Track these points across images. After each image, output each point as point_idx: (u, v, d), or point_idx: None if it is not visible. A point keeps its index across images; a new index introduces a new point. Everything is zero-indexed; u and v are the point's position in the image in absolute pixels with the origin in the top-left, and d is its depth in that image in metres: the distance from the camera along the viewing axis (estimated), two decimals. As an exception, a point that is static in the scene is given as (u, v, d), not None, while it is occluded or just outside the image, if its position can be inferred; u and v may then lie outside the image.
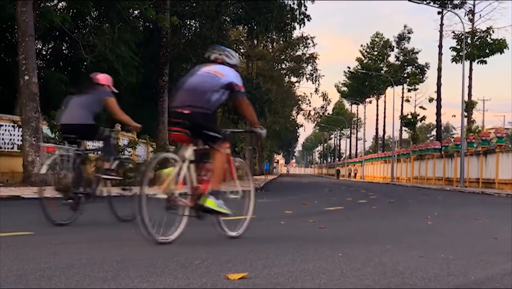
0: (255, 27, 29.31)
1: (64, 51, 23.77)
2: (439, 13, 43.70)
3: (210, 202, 4.65)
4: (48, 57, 23.68)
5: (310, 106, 63.25)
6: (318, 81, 52.62)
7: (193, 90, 4.82)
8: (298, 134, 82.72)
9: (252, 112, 5.17)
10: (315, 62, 52.75)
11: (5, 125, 16.21)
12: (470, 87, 39.23)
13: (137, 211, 4.33)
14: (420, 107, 50.86)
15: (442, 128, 54.74)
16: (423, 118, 50.12)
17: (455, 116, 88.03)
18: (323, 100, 63.21)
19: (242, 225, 5.24)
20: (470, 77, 39.14)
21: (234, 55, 5.18)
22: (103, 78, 6.65)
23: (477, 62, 39.11)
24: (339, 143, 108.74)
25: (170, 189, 4.56)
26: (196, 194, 4.74)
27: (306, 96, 62.21)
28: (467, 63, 37.06)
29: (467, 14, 41.08)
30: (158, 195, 4.55)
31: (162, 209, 4.54)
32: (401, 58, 61.66)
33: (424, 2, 39.92)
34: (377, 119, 71.03)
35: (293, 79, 57.75)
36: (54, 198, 6.13)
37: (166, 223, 4.55)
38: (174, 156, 4.74)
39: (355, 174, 69.05)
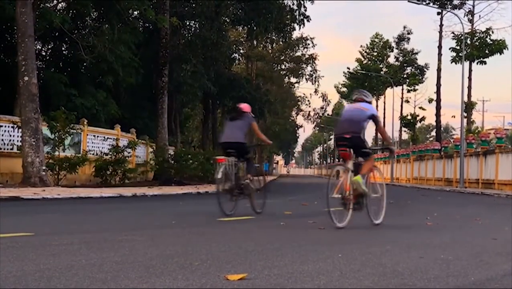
0: (255, 28, 29.26)
1: (64, 52, 23.69)
2: (438, 13, 43.64)
3: (359, 178, 6.64)
4: (47, 57, 23.62)
5: (309, 106, 63.38)
6: (318, 81, 52.75)
7: (350, 121, 7.00)
8: (297, 134, 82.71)
9: (387, 133, 8.13)
10: (314, 62, 52.83)
11: (5, 126, 16.18)
12: (469, 87, 39.18)
13: (326, 206, 6.59)
14: (420, 107, 50.80)
15: (442, 128, 54.68)
16: (423, 118, 50.05)
17: (454, 116, 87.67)
18: (323, 100, 63.19)
19: (381, 216, 7.25)
20: (469, 78, 39.09)
21: (369, 94, 7.49)
22: (246, 107, 8.79)
23: (477, 63, 39.04)
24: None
25: (342, 190, 6.68)
26: (357, 194, 6.75)
27: (306, 97, 62.35)
28: (466, 63, 37.02)
29: (467, 15, 41.02)
30: (335, 195, 6.66)
31: (339, 205, 6.62)
32: (400, 58, 61.53)
33: (424, 3, 39.87)
34: (376, 120, 70.86)
35: (293, 79, 57.80)
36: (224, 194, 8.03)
37: (340, 214, 6.61)
38: (343, 168, 6.92)
39: (355, 175, 68.89)
